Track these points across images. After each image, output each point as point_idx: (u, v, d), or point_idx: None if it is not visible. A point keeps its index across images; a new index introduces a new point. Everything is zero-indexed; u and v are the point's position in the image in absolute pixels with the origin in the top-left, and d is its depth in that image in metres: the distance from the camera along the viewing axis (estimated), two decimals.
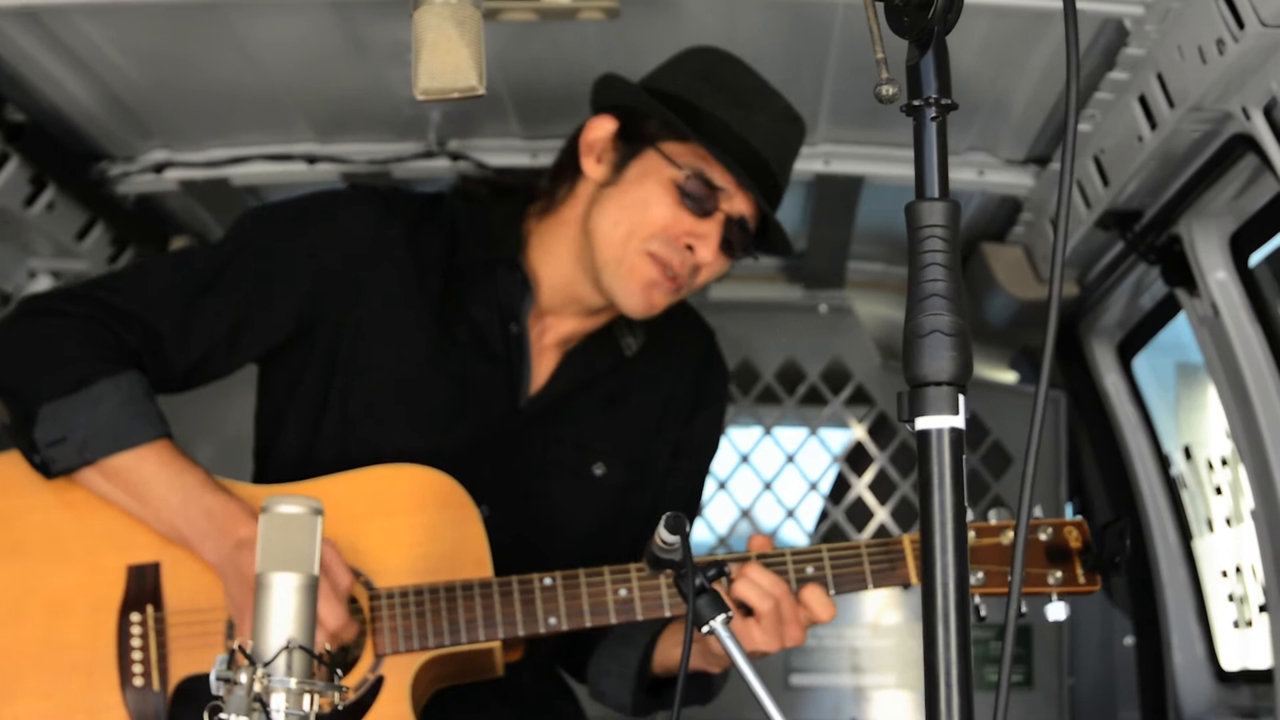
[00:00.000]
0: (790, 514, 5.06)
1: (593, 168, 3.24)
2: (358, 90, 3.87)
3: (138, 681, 3.01)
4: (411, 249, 3.26)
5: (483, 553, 3.08)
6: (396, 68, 3.71)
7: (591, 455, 3.36)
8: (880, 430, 5.04)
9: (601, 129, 3.24)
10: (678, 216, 3.14)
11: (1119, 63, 3.33)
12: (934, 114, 1.83)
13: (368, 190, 3.39)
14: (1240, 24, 2.78)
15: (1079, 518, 3.07)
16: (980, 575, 2.99)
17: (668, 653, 3.20)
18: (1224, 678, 4.47)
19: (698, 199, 3.14)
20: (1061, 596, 3.00)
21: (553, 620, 3.01)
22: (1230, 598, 4.43)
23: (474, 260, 3.29)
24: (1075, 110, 1.71)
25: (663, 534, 2.38)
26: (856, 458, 5.05)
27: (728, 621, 2.41)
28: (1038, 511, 3.10)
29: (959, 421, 1.73)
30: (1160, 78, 3.23)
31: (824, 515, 5.04)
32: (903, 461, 5.01)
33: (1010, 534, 2.98)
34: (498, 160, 4.19)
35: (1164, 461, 4.66)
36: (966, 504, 1.79)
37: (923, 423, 1.74)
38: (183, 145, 4.22)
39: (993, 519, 3.06)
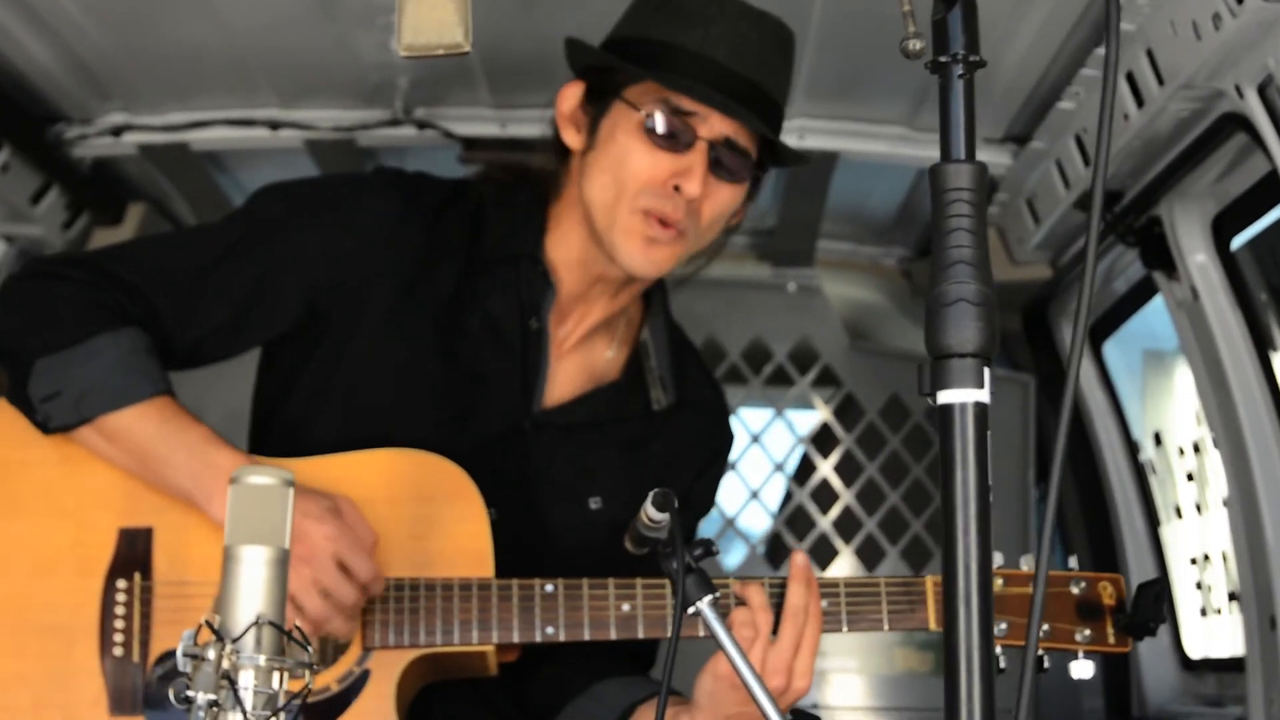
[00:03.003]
0: (754, 495, 5.00)
1: (573, 138, 3.14)
2: (324, 54, 3.79)
3: (118, 651, 2.92)
4: (430, 238, 3.14)
5: (485, 551, 2.96)
6: (366, 31, 3.63)
7: (591, 487, 3.23)
8: (847, 412, 4.98)
9: (570, 98, 3.14)
10: (656, 161, 3.00)
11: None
12: (961, 71, 1.74)
13: (391, 175, 3.26)
14: None
15: (1115, 574, 2.93)
16: (1004, 626, 2.85)
17: None
18: (1189, 666, 4.44)
19: (670, 135, 2.99)
20: (1088, 654, 2.85)
21: (550, 630, 2.90)
22: (1198, 586, 4.40)
23: (496, 252, 3.18)
24: (1107, 125, 1.63)
25: (649, 510, 2.29)
26: (823, 439, 4.99)
27: (715, 603, 2.32)
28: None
29: (984, 395, 1.65)
30: (1150, 54, 3.18)
31: (789, 497, 4.98)
32: (869, 443, 4.95)
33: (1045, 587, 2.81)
34: (466, 129, 4.12)
35: (1133, 447, 4.62)
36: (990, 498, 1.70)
37: (945, 396, 1.66)
38: (142, 108, 4.12)
39: (1024, 566, 2.92)
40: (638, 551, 2.43)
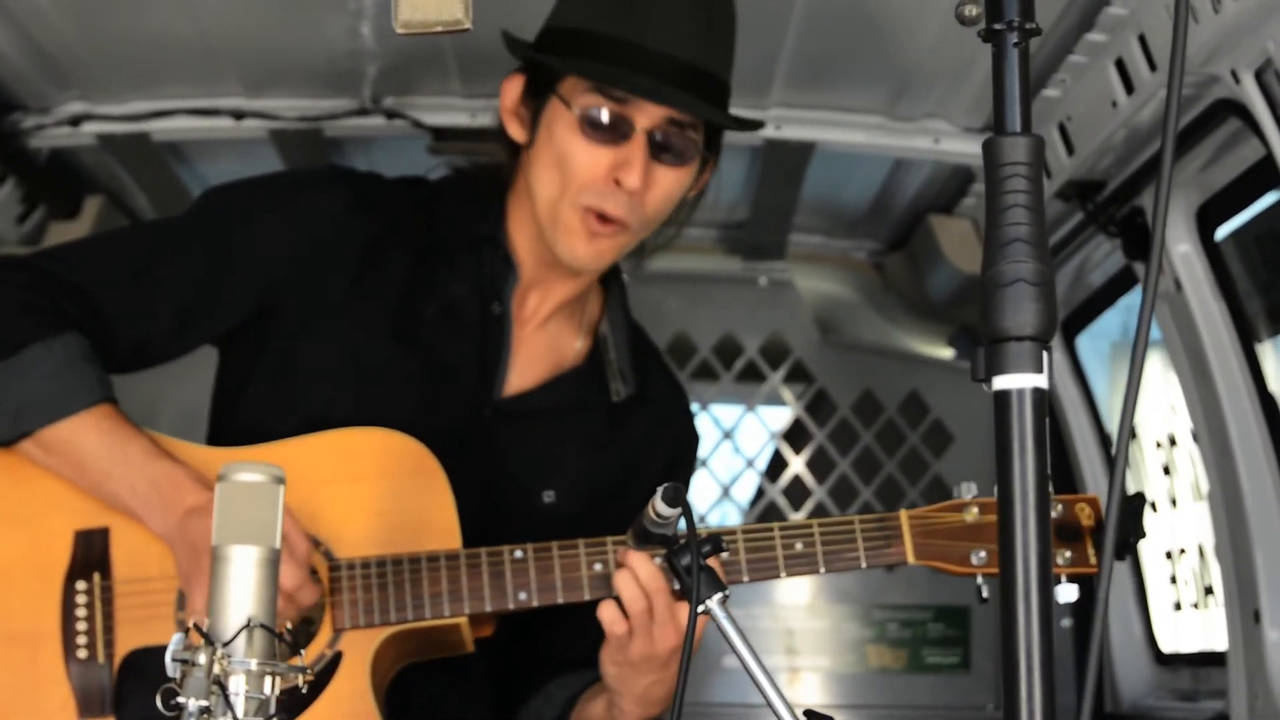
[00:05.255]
0: (726, 492, 4.96)
1: (516, 131, 3.10)
2: (292, 41, 3.70)
3: (82, 654, 2.87)
4: (381, 228, 3.10)
5: (451, 522, 2.92)
6: (336, 17, 3.55)
7: (546, 479, 3.18)
8: (819, 408, 4.94)
9: (511, 91, 3.11)
10: (594, 157, 2.95)
11: (1098, 24, 3.24)
12: (1016, 39, 1.68)
13: (339, 169, 3.24)
14: None
15: (1092, 494, 2.94)
16: (983, 554, 2.86)
17: (585, 711, 3.05)
18: (1163, 660, 4.43)
19: (605, 128, 2.94)
20: (1071, 578, 2.81)
21: (523, 595, 2.86)
22: (1172, 579, 4.39)
23: (454, 237, 3.14)
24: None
25: (658, 505, 2.22)
26: (795, 435, 4.95)
27: (725, 601, 2.25)
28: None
29: (1043, 381, 1.59)
30: (1142, 39, 3.14)
31: (760, 493, 4.94)
32: (842, 439, 4.91)
33: None
34: (435, 119, 4.04)
35: (1105, 441, 4.60)
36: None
37: (1002, 381, 1.59)
38: (102, 97, 4.01)
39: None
40: (639, 548, 2.37)
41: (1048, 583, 1.56)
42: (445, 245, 3.13)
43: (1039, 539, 1.52)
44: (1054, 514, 2.90)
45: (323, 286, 3.06)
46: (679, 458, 3.40)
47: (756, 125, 3.17)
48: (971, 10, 1.64)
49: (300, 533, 2.79)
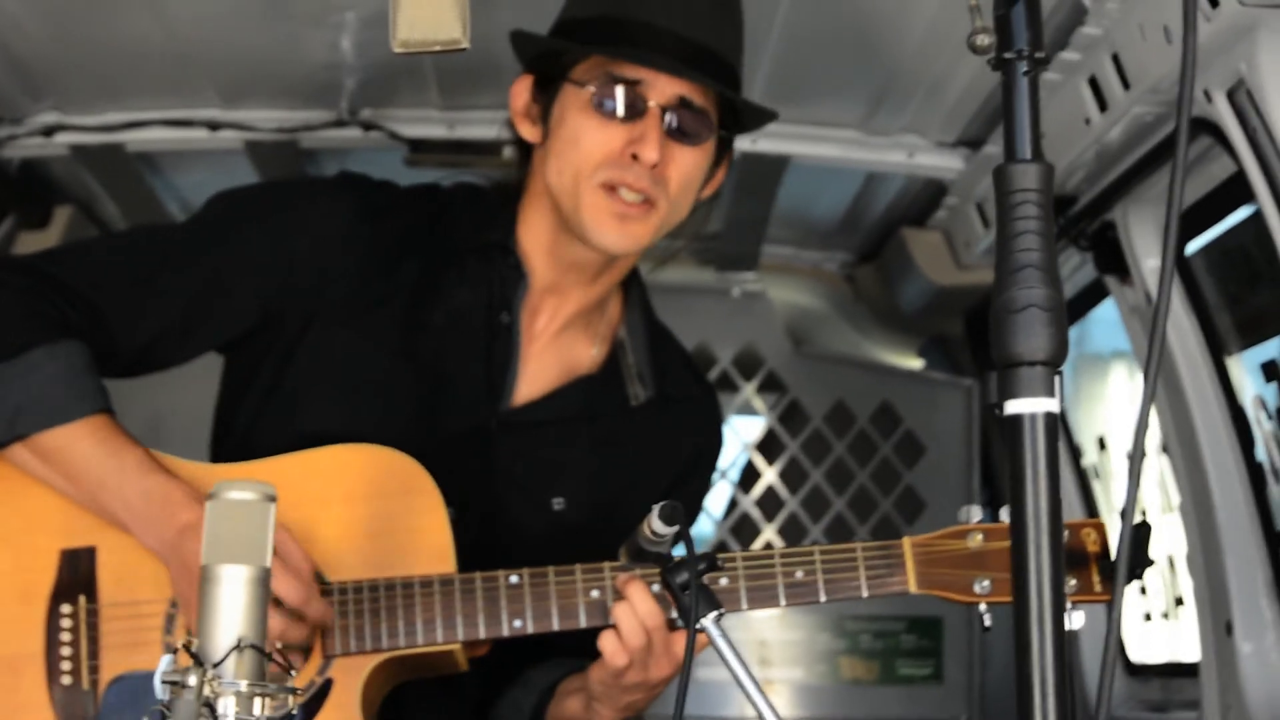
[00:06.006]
0: None
1: (529, 131, 3.07)
2: (270, 52, 3.69)
3: (66, 679, 2.80)
4: (389, 235, 3.06)
5: (445, 545, 2.86)
6: (316, 30, 3.55)
7: (556, 486, 3.13)
8: (792, 418, 4.96)
9: (521, 93, 3.08)
10: (608, 135, 2.92)
11: (1072, 42, 3.26)
12: (1026, 68, 1.69)
13: (350, 176, 3.18)
14: (1214, 2, 2.71)
15: (1098, 519, 2.90)
16: (986, 583, 2.80)
17: (562, 706, 3.02)
18: (1133, 671, 4.45)
19: (618, 105, 2.91)
20: (1075, 605, 2.76)
21: (518, 623, 2.80)
22: (1142, 591, 4.41)
23: (463, 244, 3.10)
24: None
25: (655, 523, 2.21)
26: (767, 446, 4.97)
27: (720, 619, 2.25)
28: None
29: (1054, 405, 1.60)
30: (1116, 58, 3.16)
31: (733, 504, 4.95)
32: (814, 450, 4.94)
33: None
34: (413, 131, 4.04)
35: (1074, 452, 4.63)
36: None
37: (1014, 406, 1.61)
38: (75, 107, 3.99)
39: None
40: (635, 565, 2.36)
41: (1060, 607, 1.57)
42: (455, 252, 3.09)
43: (1053, 565, 1.54)
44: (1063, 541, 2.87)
45: (328, 294, 3.01)
46: (696, 463, 3.32)
47: (770, 115, 3.13)
48: (983, 40, 1.66)
49: (299, 548, 2.75)
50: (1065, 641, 1.59)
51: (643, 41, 2.91)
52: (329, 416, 2.98)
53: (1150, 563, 2.79)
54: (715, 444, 3.39)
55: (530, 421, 3.11)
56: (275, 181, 3.26)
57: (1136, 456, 1.58)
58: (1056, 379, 1.62)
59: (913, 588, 2.83)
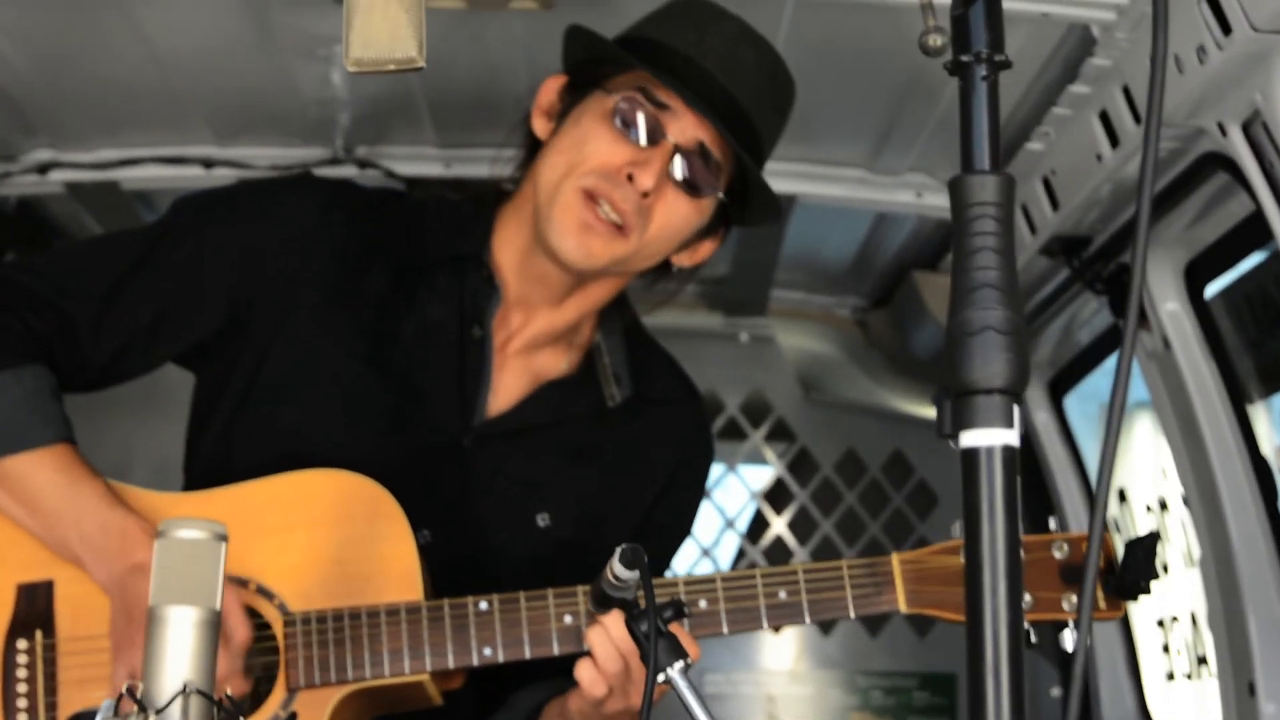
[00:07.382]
0: (706, 553, 4.90)
1: (541, 127, 3.00)
2: (263, 88, 3.66)
3: (22, 717, 2.75)
4: (359, 239, 3.00)
5: (412, 572, 2.79)
6: (306, 64, 3.51)
7: (538, 503, 3.05)
8: (801, 467, 4.88)
9: (550, 88, 3.02)
10: (615, 149, 2.85)
11: (1081, 74, 3.16)
12: (985, 73, 1.59)
13: (315, 179, 3.14)
14: (1226, 29, 2.61)
15: (1105, 533, 2.83)
16: None
17: None
18: None
19: (637, 124, 2.85)
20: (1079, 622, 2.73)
21: (488, 651, 2.73)
22: (1165, 649, 4.28)
23: (435, 255, 3.03)
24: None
25: (616, 568, 2.12)
26: (776, 495, 4.89)
27: (686, 670, 2.14)
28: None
29: (1013, 437, 1.49)
30: (1126, 91, 3.06)
31: (741, 555, 4.85)
32: (824, 500, 4.85)
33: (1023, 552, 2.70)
34: (409, 169, 3.99)
35: (1093, 502, 4.50)
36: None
37: (970, 438, 1.49)
38: (70, 145, 3.96)
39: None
40: (600, 611, 2.27)
41: (1018, 650, 1.45)
42: (426, 263, 3.02)
43: (1010, 607, 1.42)
44: (1060, 554, 2.79)
45: (295, 298, 2.95)
46: (684, 467, 3.21)
47: (775, 211, 3.06)
48: (936, 40, 1.55)
49: (241, 616, 2.69)
50: (1023, 687, 1.46)
51: (688, 79, 2.85)
52: (303, 433, 2.92)
53: (1156, 575, 2.69)
54: (704, 451, 3.29)
55: (504, 432, 3.02)
56: (240, 182, 3.22)
57: (1101, 495, 1.46)
58: (1015, 409, 1.50)
59: (903, 606, 2.75)
